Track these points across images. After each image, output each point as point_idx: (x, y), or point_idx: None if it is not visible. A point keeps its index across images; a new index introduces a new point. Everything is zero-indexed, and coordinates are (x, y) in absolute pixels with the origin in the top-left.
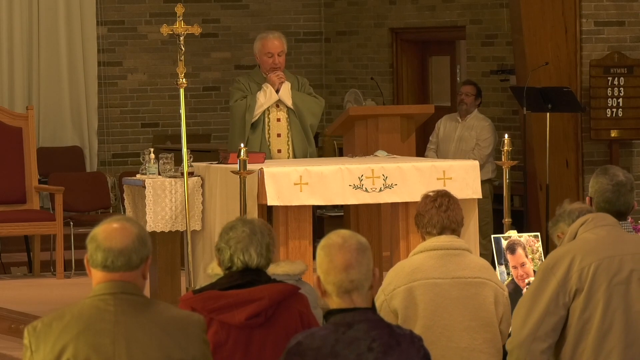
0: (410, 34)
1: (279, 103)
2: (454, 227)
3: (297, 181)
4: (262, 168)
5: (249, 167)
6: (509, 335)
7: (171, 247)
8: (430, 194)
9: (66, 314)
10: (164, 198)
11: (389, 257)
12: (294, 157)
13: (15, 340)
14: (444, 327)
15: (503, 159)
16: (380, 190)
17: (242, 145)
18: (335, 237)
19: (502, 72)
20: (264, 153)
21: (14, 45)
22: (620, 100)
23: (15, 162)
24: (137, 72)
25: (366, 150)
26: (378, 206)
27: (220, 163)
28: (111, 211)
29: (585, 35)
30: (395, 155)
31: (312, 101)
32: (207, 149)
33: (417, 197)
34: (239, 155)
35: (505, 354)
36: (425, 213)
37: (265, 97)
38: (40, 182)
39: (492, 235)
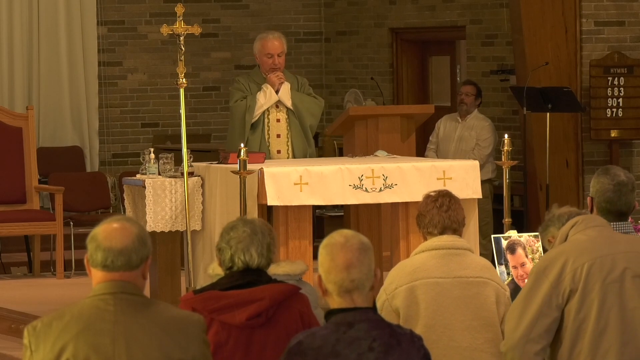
0: (410, 34)
1: (278, 104)
2: (455, 227)
3: (297, 181)
4: (262, 168)
5: (249, 167)
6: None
7: (171, 247)
8: (432, 194)
9: (66, 313)
10: (164, 198)
11: (389, 257)
12: (294, 157)
13: (15, 340)
14: (445, 327)
15: (503, 159)
16: (380, 190)
17: (242, 145)
18: (337, 236)
19: (502, 72)
20: (264, 153)
21: (14, 45)
22: (620, 100)
23: (16, 162)
24: (137, 72)
25: (366, 150)
26: (378, 206)
27: (220, 163)
28: (111, 211)
29: (585, 35)
30: (395, 155)
31: (311, 102)
32: (207, 149)
33: (417, 197)
34: (239, 155)
35: None
36: (426, 213)
37: (265, 98)
38: (40, 182)
39: (492, 235)
